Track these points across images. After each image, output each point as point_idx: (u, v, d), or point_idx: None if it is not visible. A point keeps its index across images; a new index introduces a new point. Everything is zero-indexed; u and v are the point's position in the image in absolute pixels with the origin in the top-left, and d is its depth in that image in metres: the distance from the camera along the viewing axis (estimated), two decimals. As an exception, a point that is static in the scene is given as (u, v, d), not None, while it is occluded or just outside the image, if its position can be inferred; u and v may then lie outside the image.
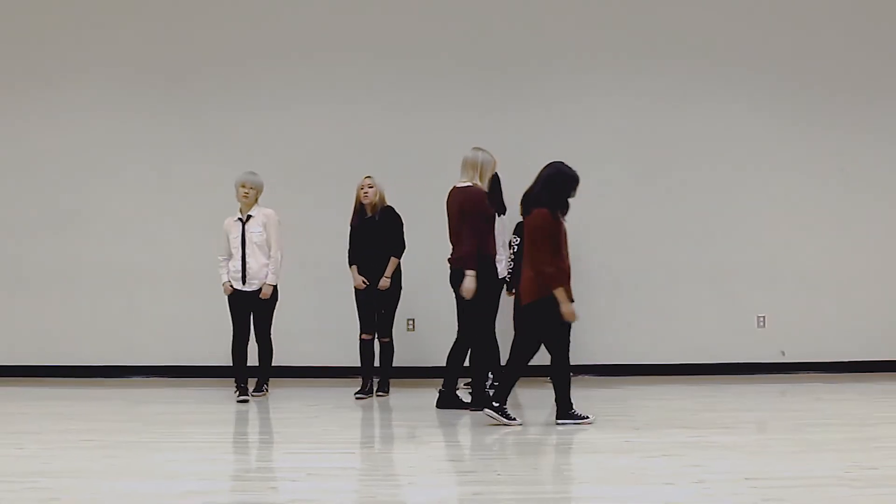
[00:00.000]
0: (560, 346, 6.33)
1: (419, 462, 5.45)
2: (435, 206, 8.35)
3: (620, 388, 7.96)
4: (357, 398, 7.59)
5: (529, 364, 6.45)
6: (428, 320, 8.73)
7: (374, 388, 7.75)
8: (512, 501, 4.60)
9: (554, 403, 6.41)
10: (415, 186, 8.58)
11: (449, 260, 7.02)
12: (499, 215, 7.58)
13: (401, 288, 7.80)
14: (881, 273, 8.93)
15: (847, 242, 8.94)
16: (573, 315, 6.22)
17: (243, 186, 7.56)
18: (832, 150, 8.97)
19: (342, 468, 5.30)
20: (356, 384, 7.76)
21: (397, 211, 7.79)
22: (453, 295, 6.98)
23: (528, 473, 5.24)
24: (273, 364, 7.72)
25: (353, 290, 7.74)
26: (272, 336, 7.66)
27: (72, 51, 8.97)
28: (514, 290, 7.68)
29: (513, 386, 6.42)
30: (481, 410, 6.59)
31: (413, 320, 8.80)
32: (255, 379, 7.65)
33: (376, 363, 7.80)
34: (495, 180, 7.71)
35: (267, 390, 7.71)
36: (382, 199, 7.75)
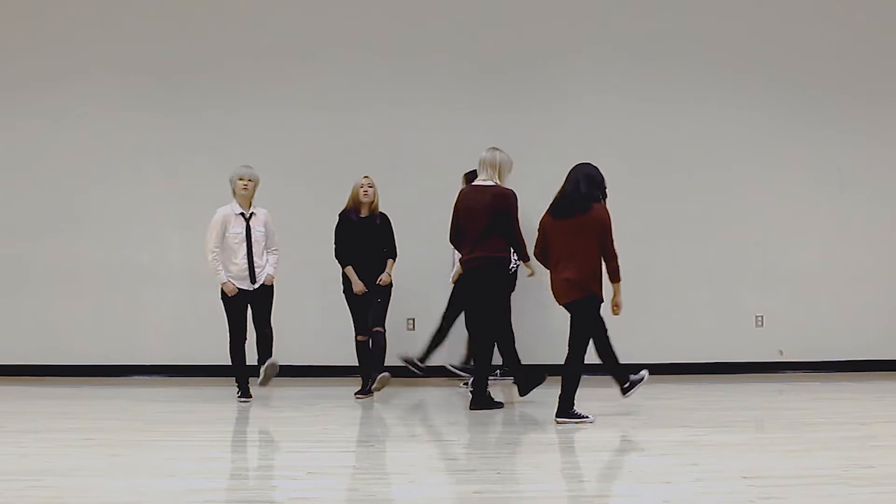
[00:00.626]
0: (584, 345, 6.42)
1: (419, 460, 5.47)
2: (435, 205, 8.41)
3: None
4: (357, 398, 7.62)
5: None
6: (428, 320, 8.73)
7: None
8: (511, 500, 4.63)
9: (558, 400, 6.43)
10: (415, 186, 8.60)
11: (463, 260, 7.06)
12: None
13: (391, 286, 7.79)
14: (878, 273, 8.97)
15: (844, 243, 8.97)
16: (621, 308, 6.52)
17: (242, 180, 7.45)
18: (829, 150, 9.01)
19: (342, 466, 5.33)
20: (356, 383, 7.78)
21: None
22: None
23: (528, 472, 5.26)
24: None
25: (347, 291, 7.72)
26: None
27: (74, 51, 8.99)
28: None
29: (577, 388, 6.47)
30: (482, 410, 6.65)
31: (413, 320, 8.83)
32: (256, 378, 7.48)
33: None
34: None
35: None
36: (378, 200, 7.75)
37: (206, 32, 9.00)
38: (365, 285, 7.66)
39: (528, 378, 7.22)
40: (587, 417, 6.39)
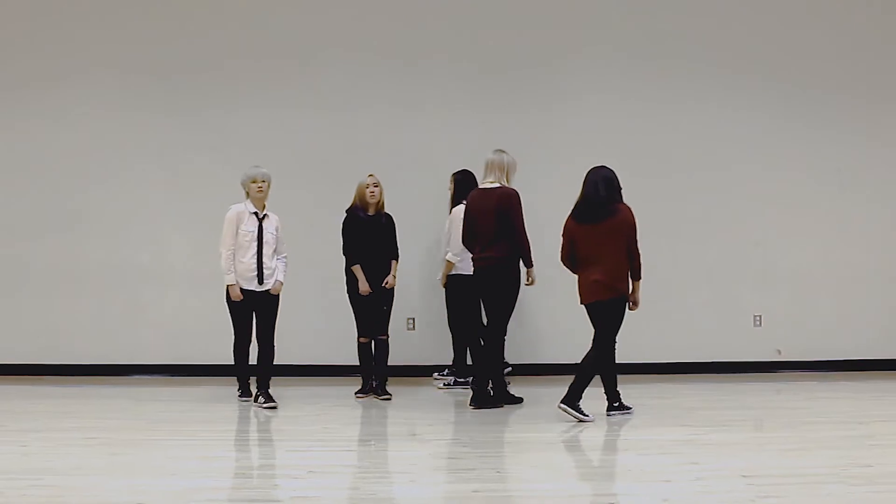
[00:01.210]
0: (610, 344, 6.56)
1: (419, 459, 5.49)
2: (435, 206, 8.43)
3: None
4: (358, 397, 7.64)
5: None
6: (428, 320, 8.77)
7: (375, 388, 7.72)
8: (511, 499, 4.65)
9: (567, 389, 6.46)
10: (415, 186, 8.62)
11: (474, 260, 7.17)
12: None
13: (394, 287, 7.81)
14: (876, 273, 8.99)
15: (842, 242, 9.00)
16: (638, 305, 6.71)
17: (256, 182, 7.27)
18: (828, 150, 9.03)
19: (343, 465, 5.35)
20: (356, 382, 7.80)
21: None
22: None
23: (528, 471, 5.27)
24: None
25: (352, 291, 7.70)
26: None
27: (74, 51, 8.99)
28: None
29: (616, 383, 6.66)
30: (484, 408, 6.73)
31: (413, 319, 8.84)
32: (256, 377, 7.41)
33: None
34: (471, 180, 7.84)
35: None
36: (384, 199, 7.74)
37: (207, 32, 9.00)
38: (370, 286, 7.63)
39: (490, 397, 7.14)
40: (588, 417, 6.42)
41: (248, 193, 7.36)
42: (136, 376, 8.83)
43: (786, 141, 9.02)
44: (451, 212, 7.95)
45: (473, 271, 7.23)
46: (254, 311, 7.40)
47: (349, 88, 8.96)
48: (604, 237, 6.51)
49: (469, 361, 7.90)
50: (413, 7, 9.01)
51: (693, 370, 8.78)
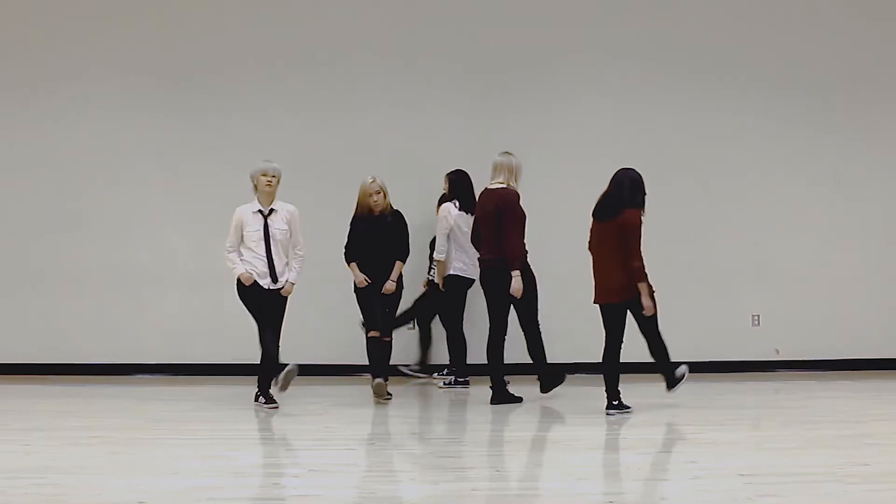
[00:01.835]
0: (617, 343, 6.74)
1: (420, 458, 5.51)
2: (435, 205, 8.44)
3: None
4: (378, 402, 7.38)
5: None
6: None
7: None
8: (510, 498, 4.67)
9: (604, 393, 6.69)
10: (415, 186, 8.63)
11: (481, 260, 7.26)
12: (469, 214, 7.80)
13: (402, 288, 7.70)
14: (873, 273, 9.02)
15: (840, 243, 9.02)
16: (652, 308, 6.65)
17: (265, 175, 7.03)
18: (825, 151, 9.06)
19: (344, 464, 5.35)
20: (357, 382, 7.80)
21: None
22: (481, 293, 7.26)
23: (527, 470, 5.30)
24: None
25: (354, 288, 7.65)
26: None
27: (74, 51, 9.01)
28: None
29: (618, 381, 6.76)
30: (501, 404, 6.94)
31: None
32: (257, 377, 7.30)
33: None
34: (466, 180, 7.91)
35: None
36: (389, 201, 7.61)
37: (207, 33, 9.02)
38: (372, 283, 7.52)
39: (510, 395, 7.28)
40: (629, 408, 6.66)
41: (256, 187, 7.16)
42: (138, 376, 8.85)
43: (783, 143, 9.05)
44: (437, 211, 8.05)
45: (481, 270, 7.32)
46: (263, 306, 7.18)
47: (349, 89, 8.98)
48: (606, 236, 6.66)
49: (468, 362, 7.98)
50: (413, 8, 9.03)
51: (691, 369, 8.74)
